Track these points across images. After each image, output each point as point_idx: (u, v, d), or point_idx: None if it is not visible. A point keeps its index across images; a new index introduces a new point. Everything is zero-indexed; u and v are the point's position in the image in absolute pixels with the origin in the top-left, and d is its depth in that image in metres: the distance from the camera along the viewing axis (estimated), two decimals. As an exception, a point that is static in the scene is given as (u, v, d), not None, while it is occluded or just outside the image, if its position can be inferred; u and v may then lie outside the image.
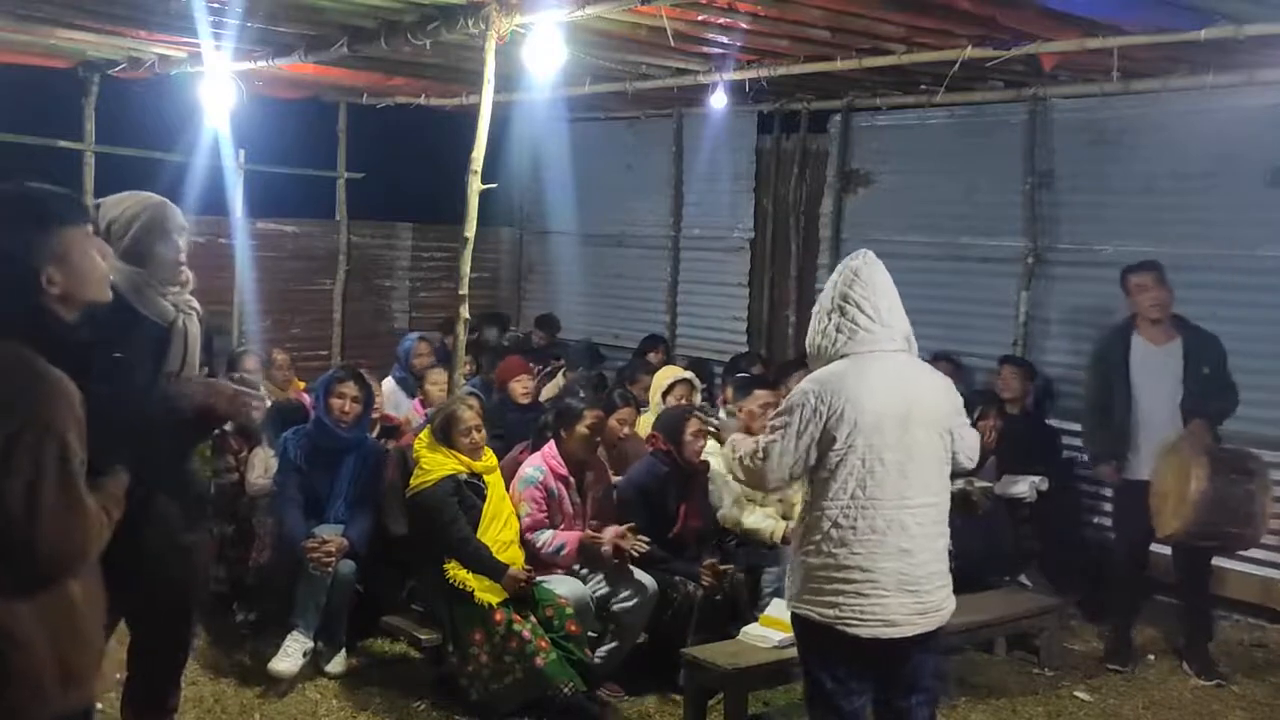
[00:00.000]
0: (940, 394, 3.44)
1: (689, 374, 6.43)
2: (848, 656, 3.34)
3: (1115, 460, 5.50)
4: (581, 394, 5.35)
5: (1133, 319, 5.51)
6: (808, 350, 3.50)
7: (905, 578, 3.27)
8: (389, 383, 7.01)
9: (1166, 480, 5.08)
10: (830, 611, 3.29)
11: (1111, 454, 5.51)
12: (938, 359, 6.62)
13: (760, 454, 3.36)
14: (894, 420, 3.26)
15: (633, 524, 4.88)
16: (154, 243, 3.26)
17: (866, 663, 3.36)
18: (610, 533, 4.85)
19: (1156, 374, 5.37)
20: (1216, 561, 5.60)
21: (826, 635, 3.32)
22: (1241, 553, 5.92)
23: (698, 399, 6.27)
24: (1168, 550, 5.48)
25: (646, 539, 4.83)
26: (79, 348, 2.55)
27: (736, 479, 3.68)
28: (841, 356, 3.35)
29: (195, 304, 3.43)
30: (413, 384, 6.94)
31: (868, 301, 3.34)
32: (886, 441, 3.25)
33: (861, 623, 3.26)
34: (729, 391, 6.44)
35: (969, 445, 3.53)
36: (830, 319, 3.38)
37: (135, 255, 3.24)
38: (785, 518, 5.48)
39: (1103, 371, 5.57)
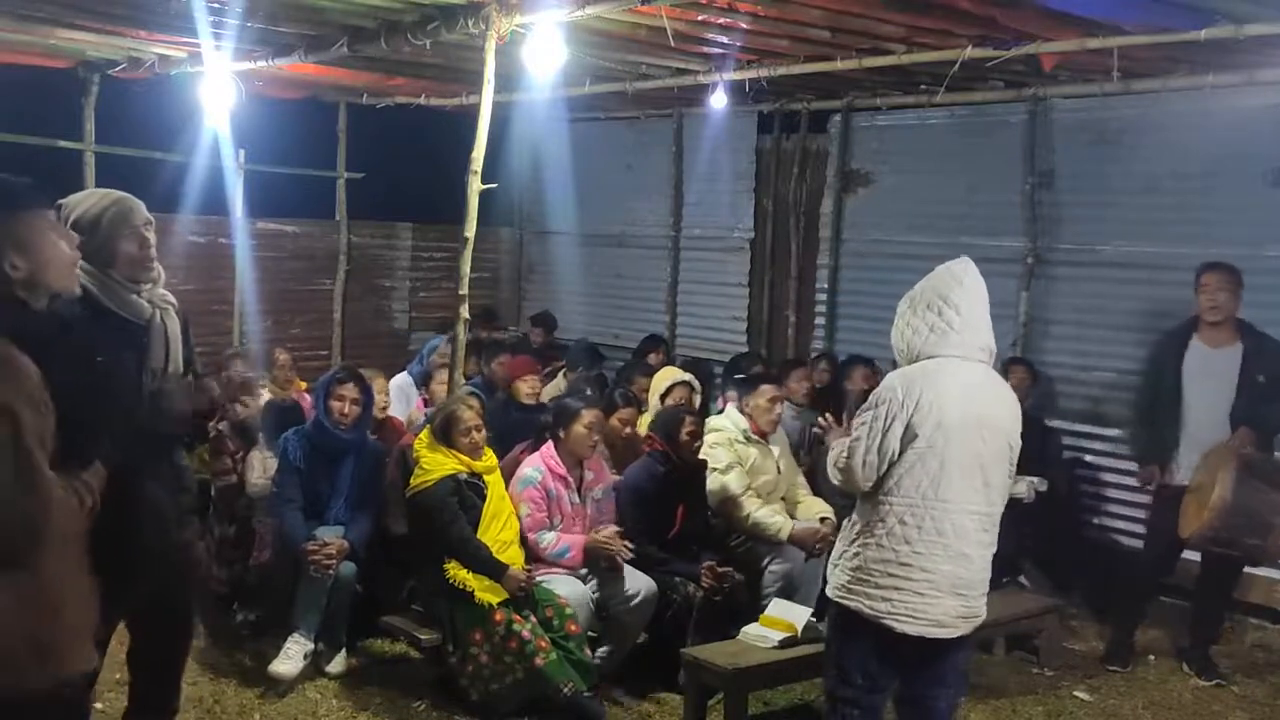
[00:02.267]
0: (1011, 410, 3.48)
1: (688, 375, 6.42)
2: (885, 652, 3.39)
3: (1159, 464, 5.34)
4: (588, 392, 5.34)
5: (1195, 320, 5.36)
6: (894, 345, 3.53)
7: (960, 582, 3.33)
8: (403, 377, 7.02)
9: (1197, 485, 4.99)
10: (882, 605, 3.32)
11: (1156, 457, 5.36)
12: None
13: (845, 453, 3.40)
14: (973, 426, 3.31)
15: (620, 528, 4.89)
16: (120, 242, 3.21)
17: (901, 659, 3.41)
18: (607, 533, 4.86)
19: (1209, 378, 5.21)
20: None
21: (870, 630, 3.36)
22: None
23: (697, 401, 6.26)
24: (1195, 555, 5.38)
25: (631, 545, 4.83)
26: (45, 333, 2.55)
27: (835, 482, 3.72)
28: (929, 356, 3.39)
29: (171, 298, 3.39)
30: (426, 381, 6.95)
31: (965, 305, 3.41)
32: (965, 446, 3.29)
33: (912, 620, 3.31)
34: (730, 393, 6.42)
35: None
36: (925, 317, 3.42)
37: (102, 254, 3.18)
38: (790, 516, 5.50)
39: (1155, 371, 5.44)
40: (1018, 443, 3.47)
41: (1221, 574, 5.35)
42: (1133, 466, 5.92)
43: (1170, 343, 5.43)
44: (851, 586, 3.40)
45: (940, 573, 3.30)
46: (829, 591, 3.55)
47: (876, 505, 3.38)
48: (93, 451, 2.56)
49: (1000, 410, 3.42)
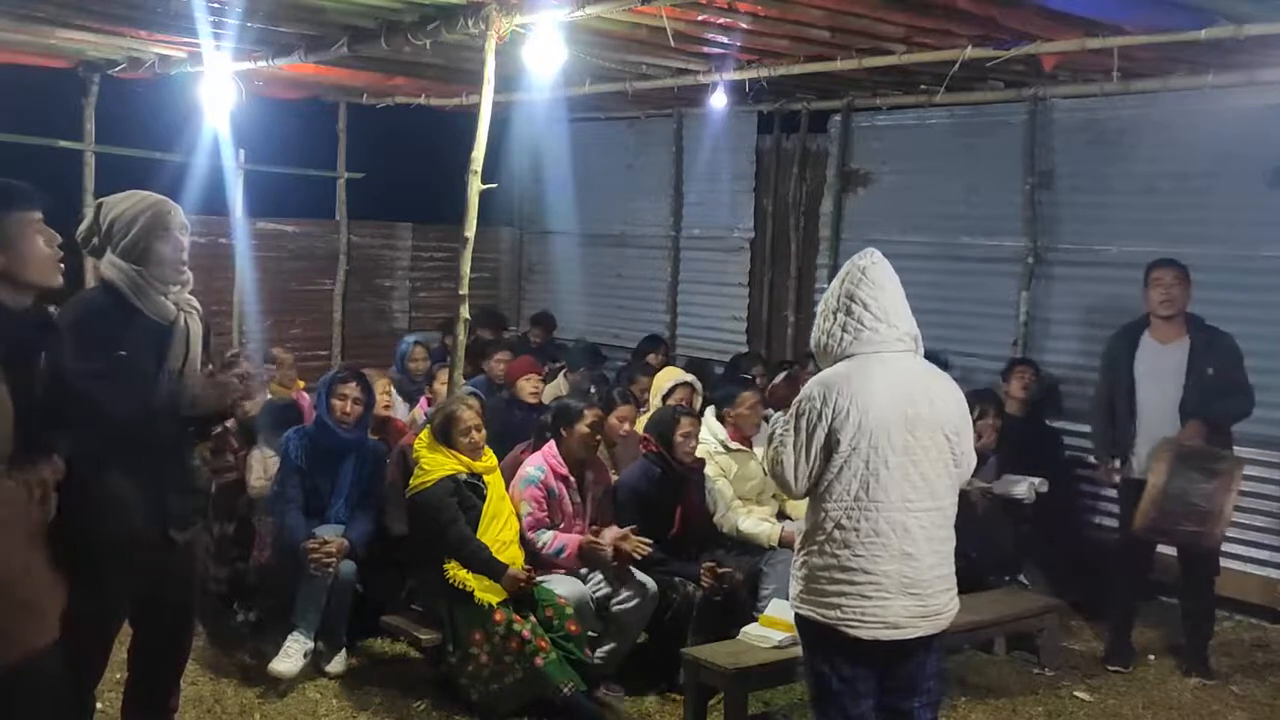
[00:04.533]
0: (946, 397, 3.40)
1: (690, 377, 6.42)
2: (850, 657, 3.34)
3: (1117, 459, 5.48)
4: (593, 390, 5.31)
5: (1147, 317, 5.46)
6: (813, 349, 3.49)
7: (908, 580, 3.26)
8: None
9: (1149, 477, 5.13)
10: (832, 613, 3.28)
11: (1113, 452, 5.49)
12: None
13: (776, 464, 3.37)
14: (898, 422, 3.24)
15: (634, 526, 4.89)
16: (155, 241, 3.30)
17: (868, 663, 3.36)
18: (610, 535, 4.86)
19: (1159, 373, 5.33)
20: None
21: (829, 636, 3.32)
22: (1241, 551, 5.95)
23: (698, 402, 6.26)
24: (1173, 551, 5.45)
25: (649, 541, 4.83)
26: (23, 326, 2.62)
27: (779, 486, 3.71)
28: (847, 356, 3.33)
29: (195, 303, 3.47)
30: (408, 386, 6.94)
31: (875, 301, 3.32)
32: (891, 444, 3.23)
33: (863, 624, 3.26)
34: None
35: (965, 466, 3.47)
36: (836, 318, 3.36)
37: (136, 254, 3.28)
38: (781, 516, 5.50)
39: (1110, 368, 5.56)
40: (960, 431, 3.38)
41: (1196, 568, 5.38)
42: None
43: (1122, 340, 5.53)
44: (804, 595, 3.36)
45: (884, 573, 3.24)
46: (789, 601, 3.54)
47: (815, 513, 3.34)
48: (49, 445, 2.66)
49: (931, 401, 3.33)
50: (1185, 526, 4.98)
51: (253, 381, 3.43)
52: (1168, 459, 4.98)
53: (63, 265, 2.92)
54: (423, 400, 6.66)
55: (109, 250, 3.29)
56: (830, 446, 3.25)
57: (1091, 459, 6.71)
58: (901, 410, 3.26)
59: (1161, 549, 5.51)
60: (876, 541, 3.24)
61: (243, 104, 7.25)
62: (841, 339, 3.34)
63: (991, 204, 7.39)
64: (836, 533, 3.27)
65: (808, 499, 3.41)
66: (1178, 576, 5.54)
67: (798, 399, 3.37)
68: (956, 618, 3.48)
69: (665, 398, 6.13)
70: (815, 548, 3.32)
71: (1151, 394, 5.36)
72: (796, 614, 3.44)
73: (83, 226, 3.38)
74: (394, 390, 6.83)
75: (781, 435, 3.36)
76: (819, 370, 3.49)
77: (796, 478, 3.31)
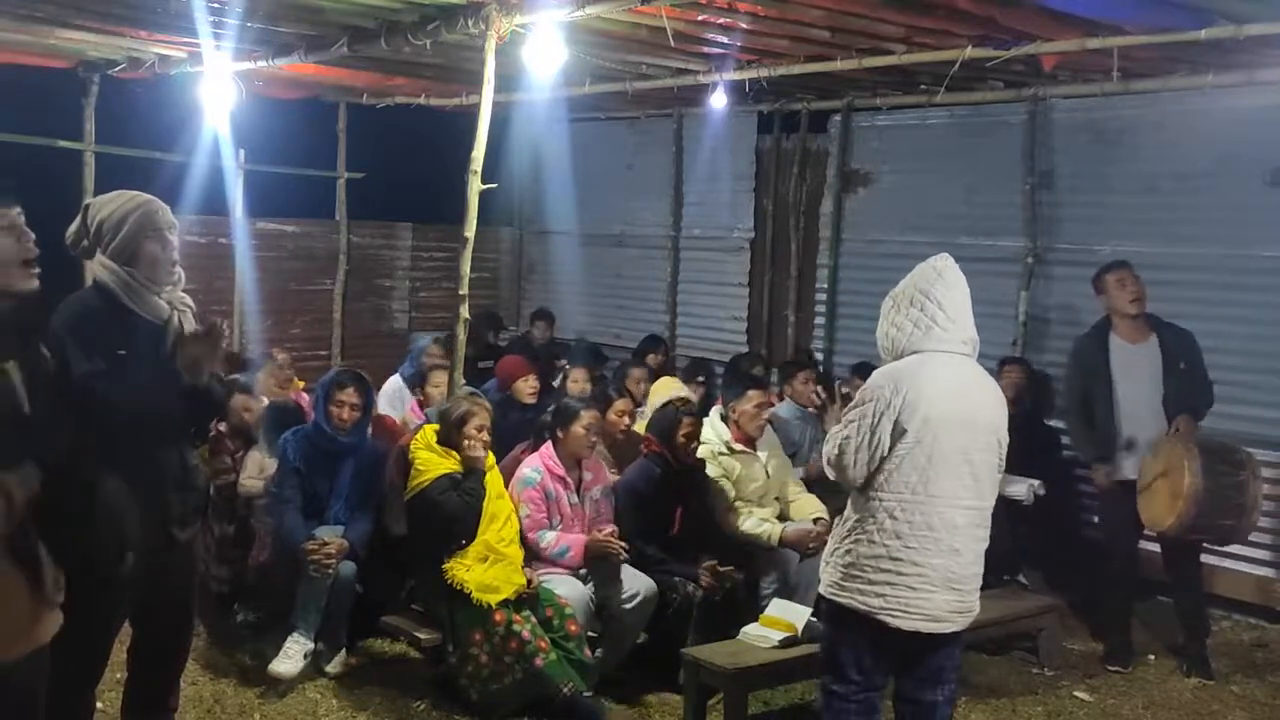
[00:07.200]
0: (1000, 404, 3.50)
1: (687, 391, 6.38)
2: (880, 647, 3.41)
3: (1108, 462, 5.45)
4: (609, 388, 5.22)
5: (1107, 320, 5.50)
6: (879, 343, 3.56)
7: (952, 576, 3.35)
8: (395, 380, 7.01)
9: (1156, 477, 5.08)
10: (875, 601, 3.35)
11: (1103, 456, 5.46)
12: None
13: (836, 451, 3.42)
14: (959, 420, 3.33)
15: (614, 528, 4.88)
16: (144, 241, 3.29)
17: (895, 654, 3.43)
18: (602, 533, 4.86)
19: (1137, 372, 5.35)
20: (1215, 561, 5.59)
21: (863, 624, 3.38)
22: (1240, 551, 5.94)
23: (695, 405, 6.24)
24: (1158, 548, 5.46)
25: (624, 545, 4.83)
26: None
27: (831, 477, 3.75)
28: (913, 351, 3.41)
29: (189, 301, 3.47)
30: (420, 383, 6.94)
31: (947, 301, 3.41)
32: (951, 440, 3.31)
33: (905, 615, 3.33)
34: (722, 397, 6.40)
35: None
36: (908, 314, 3.44)
37: (126, 254, 3.27)
38: (782, 519, 5.49)
39: (1082, 374, 5.55)
40: (1005, 437, 3.48)
41: (1185, 562, 5.40)
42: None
43: (1091, 344, 5.53)
44: (844, 583, 3.42)
45: (932, 567, 3.32)
46: (821, 589, 3.56)
47: (867, 501, 3.40)
48: (17, 453, 2.50)
49: (986, 404, 3.44)
50: (1222, 521, 4.96)
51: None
52: (1195, 455, 4.91)
53: (36, 270, 2.70)
54: (413, 402, 6.62)
55: (99, 252, 3.29)
56: (895, 436, 3.32)
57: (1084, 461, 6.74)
58: (961, 410, 3.34)
59: (1144, 545, 5.50)
60: (928, 535, 3.32)
61: (243, 104, 7.25)
62: (912, 333, 3.42)
63: (991, 204, 7.39)
64: (889, 523, 3.34)
65: (855, 490, 3.46)
66: (1166, 574, 5.54)
67: (864, 389, 3.45)
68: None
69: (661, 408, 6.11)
70: (864, 537, 3.38)
71: (1130, 394, 5.36)
72: (832, 601, 3.48)
73: (71, 229, 3.36)
74: (404, 384, 6.85)
75: (847, 423, 3.43)
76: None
77: (856, 464, 3.37)
